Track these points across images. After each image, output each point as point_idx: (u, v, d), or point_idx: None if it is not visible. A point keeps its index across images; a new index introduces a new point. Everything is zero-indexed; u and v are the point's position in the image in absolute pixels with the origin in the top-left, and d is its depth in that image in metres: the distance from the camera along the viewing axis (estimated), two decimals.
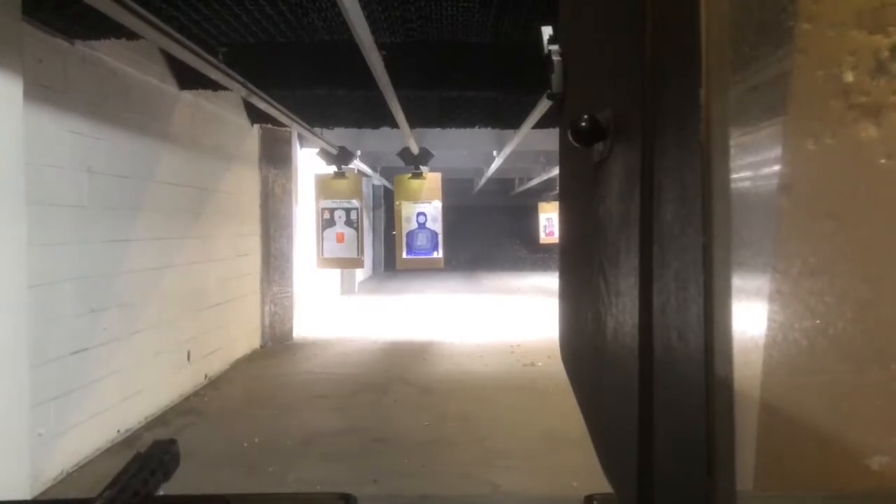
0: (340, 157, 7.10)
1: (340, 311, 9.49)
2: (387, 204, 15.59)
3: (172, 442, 0.89)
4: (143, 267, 4.47)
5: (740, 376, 0.69)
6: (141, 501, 0.78)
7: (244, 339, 6.53)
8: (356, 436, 4.25)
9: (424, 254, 6.29)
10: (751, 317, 0.71)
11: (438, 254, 6.30)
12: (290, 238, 7.08)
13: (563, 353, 1.30)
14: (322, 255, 7.14)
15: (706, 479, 0.63)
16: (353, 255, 7.04)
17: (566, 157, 1.00)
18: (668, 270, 0.67)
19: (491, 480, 3.60)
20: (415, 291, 11.71)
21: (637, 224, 0.72)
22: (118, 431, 4.20)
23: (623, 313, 0.84)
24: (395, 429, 4.42)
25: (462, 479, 3.63)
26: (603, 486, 1.05)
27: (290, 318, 7.20)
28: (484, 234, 15.24)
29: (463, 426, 4.46)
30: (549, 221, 11.88)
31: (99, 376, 3.97)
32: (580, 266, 1.15)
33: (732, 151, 0.52)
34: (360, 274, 13.11)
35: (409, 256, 6.34)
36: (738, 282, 0.63)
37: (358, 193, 7.20)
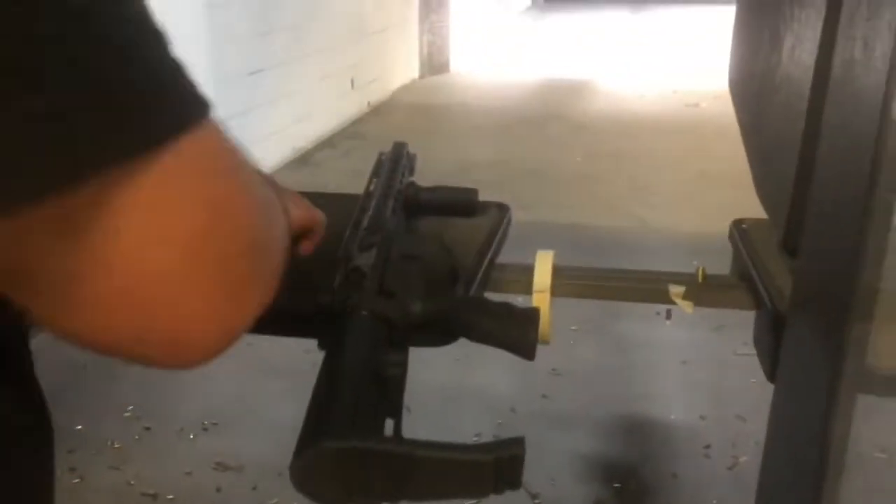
0: None
1: (498, 43, 9.28)
2: None
3: (405, 144, 0.99)
4: None
5: None
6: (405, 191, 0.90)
7: (403, 68, 6.62)
8: (510, 166, 4.39)
9: None
10: None
11: None
12: None
13: (731, 78, 1.25)
14: None
15: (864, 203, 0.63)
16: None
17: None
18: None
19: (639, 215, 3.68)
20: (576, 22, 11.13)
21: None
22: (293, 149, 4.57)
23: (804, 27, 0.79)
24: (547, 162, 4.51)
25: (610, 213, 3.73)
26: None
27: (448, 49, 7.15)
28: None
29: (615, 164, 4.48)
30: None
31: (274, 97, 4.25)
32: None
33: None
34: (518, 4, 12.51)
35: None
36: None
37: None
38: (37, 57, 0.25)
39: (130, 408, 2.15)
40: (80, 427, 2.05)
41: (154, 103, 0.29)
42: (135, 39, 0.29)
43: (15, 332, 0.39)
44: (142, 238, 0.30)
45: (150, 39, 0.29)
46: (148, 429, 2.08)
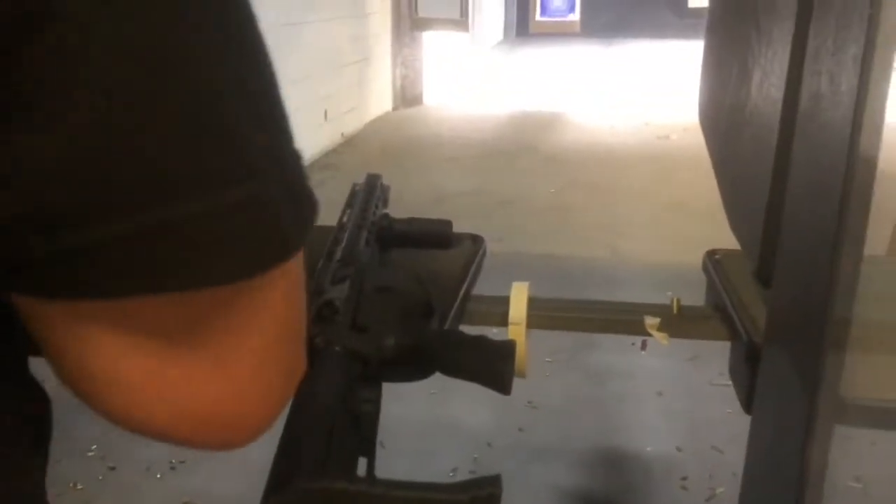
0: None
1: (471, 76, 9.38)
2: None
3: (379, 176, 0.98)
4: (278, 22, 4.54)
5: (891, 126, 0.66)
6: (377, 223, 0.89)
7: (376, 100, 6.66)
8: (484, 197, 4.41)
9: (559, 15, 5.91)
10: None
11: (575, 16, 5.91)
12: None
13: (701, 111, 1.27)
14: (415, 13, 6.04)
15: (835, 234, 0.63)
16: (455, 15, 5.77)
17: None
18: (831, 9, 0.62)
19: (612, 246, 3.70)
20: (548, 56, 11.30)
21: None
22: None
23: (772, 62, 0.80)
24: (521, 193, 4.54)
25: (584, 244, 3.75)
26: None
27: (421, 82, 7.22)
28: None
29: (588, 194, 4.52)
30: None
31: None
32: (731, 18, 1.08)
33: None
34: (490, 39, 12.71)
35: (544, 18, 6.00)
36: None
37: None
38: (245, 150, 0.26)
39: (94, 447, 2.09)
40: None
41: (303, 200, 0.31)
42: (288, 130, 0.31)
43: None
44: (246, 337, 0.31)
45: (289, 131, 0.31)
46: (113, 468, 2.02)
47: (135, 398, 0.30)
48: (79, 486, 1.95)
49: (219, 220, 0.26)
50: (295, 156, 0.30)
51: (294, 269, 0.33)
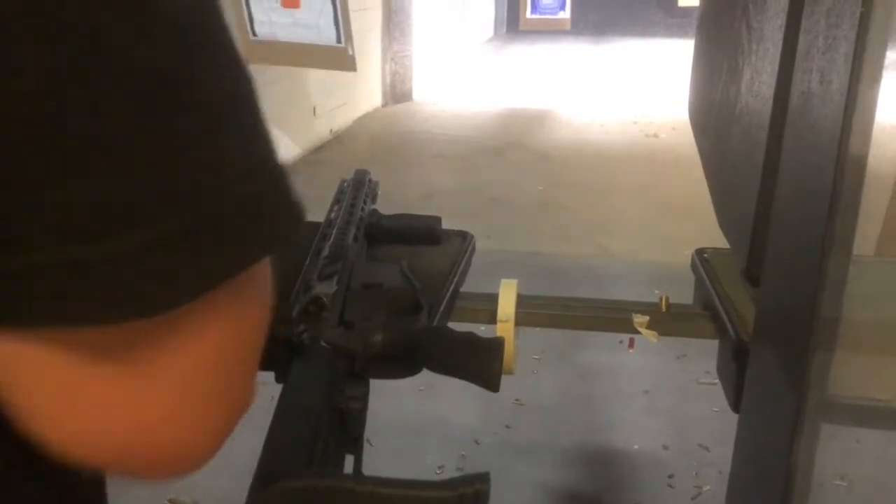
0: None
1: (461, 73, 9.38)
2: None
3: (367, 171, 0.97)
4: None
5: (881, 126, 0.66)
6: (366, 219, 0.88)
7: (366, 96, 6.64)
8: (472, 195, 4.40)
9: (550, 12, 5.90)
10: None
11: (565, 13, 5.90)
12: None
13: (691, 109, 1.27)
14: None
15: (823, 233, 0.63)
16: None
17: None
18: (821, 6, 0.62)
19: (600, 244, 3.71)
20: (538, 53, 11.31)
21: None
22: None
23: (762, 60, 0.80)
24: (510, 190, 4.54)
25: (572, 241, 3.76)
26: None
27: (411, 78, 7.20)
28: None
29: (577, 192, 4.52)
30: None
31: None
32: (721, 15, 1.08)
33: None
34: (480, 36, 12.70)
35: (534, 16, 5.99)
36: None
37: None
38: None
39: None
40: None
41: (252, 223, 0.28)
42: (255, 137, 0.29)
43: None
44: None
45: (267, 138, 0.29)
46: None
47: (60, 424, 0.29)
48: None
49: (152, 252, 0.25)
50: (247, 173, 0.28)
51: (250, 295, 0.31)
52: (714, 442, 2.06)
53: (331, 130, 5.78)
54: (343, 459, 0.54)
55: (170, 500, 1.87)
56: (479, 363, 0.64)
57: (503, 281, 0.94)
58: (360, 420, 0.57)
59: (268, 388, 0.61)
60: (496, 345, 0.65)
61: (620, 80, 8.93)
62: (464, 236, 1.00)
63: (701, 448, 2.09)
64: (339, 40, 3.01)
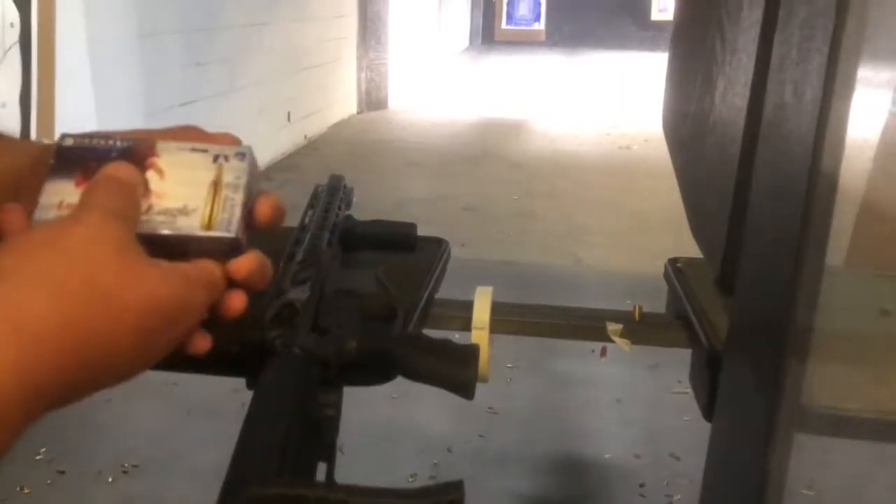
0: None
1: (437, 82, 9.40)
2: None
3: (342, 177, 0.96)
4: (242, 23, 4.48)
5: (852, 141, 0.67)
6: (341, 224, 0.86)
7: (341, 103, 6.62)
8: (446, 203, 4.41)
9: (525, 24, 5.94)
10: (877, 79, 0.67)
11: (540, 25, 5.95)
12: (386, 0, 6.86)
13: (665, 120, 1.28)
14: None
15: (797, 243, 0.64)
16: None
17: None
18: (795, 19, 0.63)
19: (574, 253, 3.73)
20: (512, 64, 11.38)
21: None
22: None
23: (736, 71, 0.81)
24: (484, 199, 4.55)
25: (546, 250, 3.77)
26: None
27: (386, 86, 7.20)
28: (591, 7, 14.32)
29: (551, 202, 4.55)
30: None
31: (208, 129, 4.17)
32: (696, 26, 1.09)
33: None
34: (456, 46, 12.75)
35: (509, 27, 6.02)
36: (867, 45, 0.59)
37: None
38: None
39: (43, 449, 2.02)
40: None
41: None
42: None
43: None
44: None
45: None
46: (62, 472, 1.96)
47: None
48: (25, 490, 1.88)
49: None
50: None
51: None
52: (685, 452, 2.07)
53: (305, 136, 5.75)
54: (315, 467, 0.52)
55: None
56: (455, 371, 0.63)
57: (479, 288, 0.94)
58: (333, 427, 0.56)
59: (239, 395, 0.60)
60: (471, 352, 0.64)
61: (594, 91, 9.02)
62: (439, 243, 0.99)
63: (672, 458, 2.11)
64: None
